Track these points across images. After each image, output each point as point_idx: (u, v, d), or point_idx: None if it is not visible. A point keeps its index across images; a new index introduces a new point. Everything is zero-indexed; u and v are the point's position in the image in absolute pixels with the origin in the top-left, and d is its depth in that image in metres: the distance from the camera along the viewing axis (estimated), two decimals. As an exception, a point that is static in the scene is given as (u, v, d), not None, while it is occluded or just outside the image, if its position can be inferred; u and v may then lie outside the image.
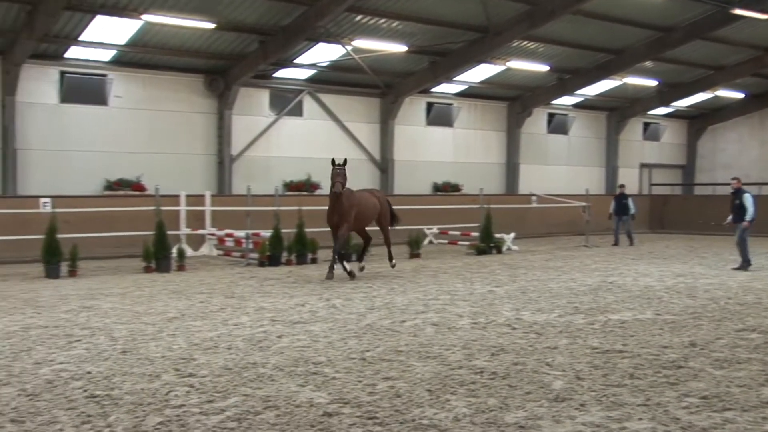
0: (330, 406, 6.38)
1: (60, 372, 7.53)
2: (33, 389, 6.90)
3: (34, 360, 8.09)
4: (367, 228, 17.13)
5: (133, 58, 24.63)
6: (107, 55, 24.21)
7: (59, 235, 16.51)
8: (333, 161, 15.57)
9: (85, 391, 6.84)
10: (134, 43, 23.52)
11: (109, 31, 22.65)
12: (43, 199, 19.28)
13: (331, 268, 15.47)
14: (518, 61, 28.58)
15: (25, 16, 20.86)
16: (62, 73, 23.92)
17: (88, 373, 7.49)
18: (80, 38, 22.74)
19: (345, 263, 15.87)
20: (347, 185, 15.75)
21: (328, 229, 16.01)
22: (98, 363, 7.92)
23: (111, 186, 24.06)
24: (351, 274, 15.68)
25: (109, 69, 24.55)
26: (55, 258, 16.36)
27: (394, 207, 17.69)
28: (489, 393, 6.85)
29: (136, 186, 24.12)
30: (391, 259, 17.12)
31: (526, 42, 27.57)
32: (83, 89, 24.07)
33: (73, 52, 23.62)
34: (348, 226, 15.82)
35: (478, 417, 6.15)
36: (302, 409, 6.30)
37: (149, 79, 25.32)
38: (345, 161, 15.68)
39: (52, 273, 16.31)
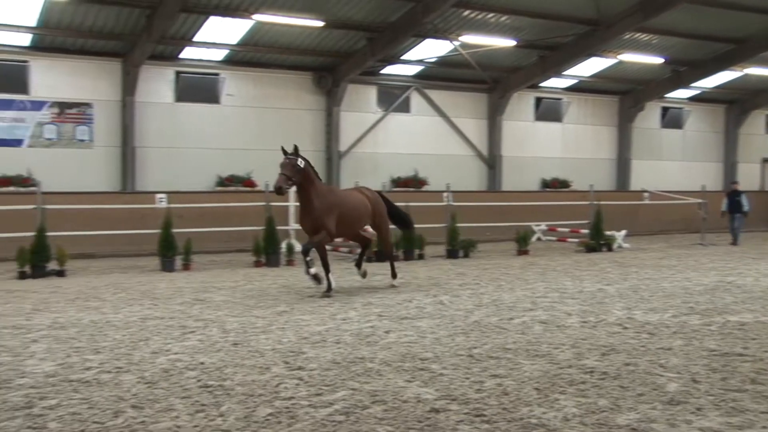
0: (437, 403, 6.34)
1: (175, 362, 7.76)
2: (151, 377, 7.13)
3: (152, 349, 8.37)
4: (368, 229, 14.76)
5: (245, 57, 25.23)
6: (220, 54, 24.88)
7: (174, 230, 17.06)
8: (282, 149, 12.42)
9: (199, 380, 7.02)
10: (245, 42, 24.08)
11: (222, 32, 23.28)
12: (159, 195, 19.96)
13: (307, 265, 12.29)
14: (630, 53, 27.78)
15: (144, 19, 21.65)
16: (177, 73, 24.76)
17: (202, 363, 7.69)
18: (194, 39, 23.46)
19: (309, 263, 12.23)
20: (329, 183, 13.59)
21: (437, 225, 15.57)
22: (211, 354, 8.13)
23: (223, 182, 24.73)
24: (316, 278, 12.34)
25: (221, 68, 25.26)
26: (170, 252, 16.93)
27: (498, 203, 16.74)
28: (599, 393, 6.66)
29: (247, 182, 24.73)
30: (394, 275, 14.04)
31: (639, 34, 26.73)
32: (197, 88, 24.90)
33: (187, 53, 24.39)
34: (327, 233, 12.60)
35: (588, 417, 5.99)
36: (409, 405, 6.28)
37: (259, 77, 25.88)
38: (296, 149, 12.34)
39: (167, 266, 16.90)
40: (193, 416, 5.98)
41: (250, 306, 11.61)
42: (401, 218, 14.73)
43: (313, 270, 12.18)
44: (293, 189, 13.32)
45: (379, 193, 14.43)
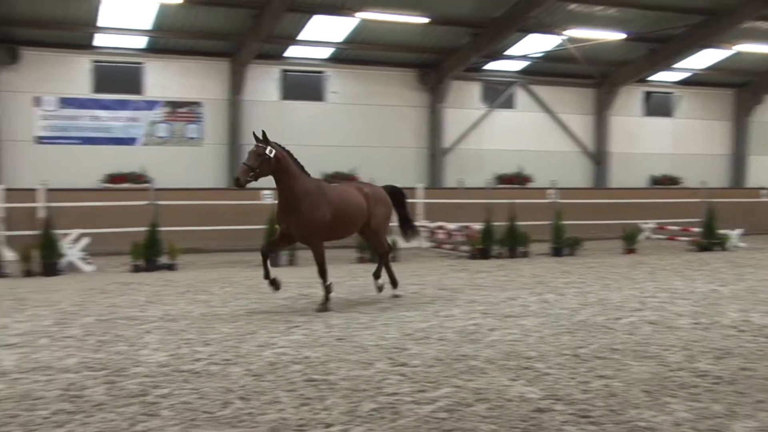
0: (542, 402, 6.22)
1: (281, 355, 7.89)
2: (257, 370, 7.27)
3: (258, 343, 8.53)
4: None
5: (349, 54, 25.51)
6: (324, 52, 25.23)
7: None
8: (254, 135, 10.65)
9: (304, 374, 7.11)
10: (350, 40, 24.33)
11: (326, 30, 23.59)
12: (264, 192, 20.36)
13: (272, 282, 10.72)
14: (749, 43, 26.56)
15: (251, 20, 22.15)
16: (283, 72, 25.23)
17: (306, 357, 7.79)
18: (299, 38, 23.86)
19: (268, 266, 10.67)
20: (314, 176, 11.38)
21: (542, 222, 15.00)
22: (315, 348, 8.22)
23: (327, 179, 25.03)
24: (273, 283, 10.69)
25: (325, 66, 25.62)
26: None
27: (605, 201, 16.09)
28: (713, 398, 6.39)
29: (351, 179, 24.94)
30: (377, 276, 12.11)
31: (759, 22, 25.44)
32: (302, 86, 25.39)
33: (292, 51, 24.85)
34: (319, 239, 10.92)
35: (700, 423, 5.75)
36: (513, 404, 6.19)
37: (363, 74, 26.12)
38: (264, 135, 10.48)
39: (273, 261, 17.18)
40: (298, 409, 6.06)
41: (354, 302, 11.70)
42: (405, 220, 12.85)
43: (272, 273, 10.62)
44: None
45: (394, 189, 12.48)
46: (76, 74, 23.82)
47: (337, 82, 26.04)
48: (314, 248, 10.94)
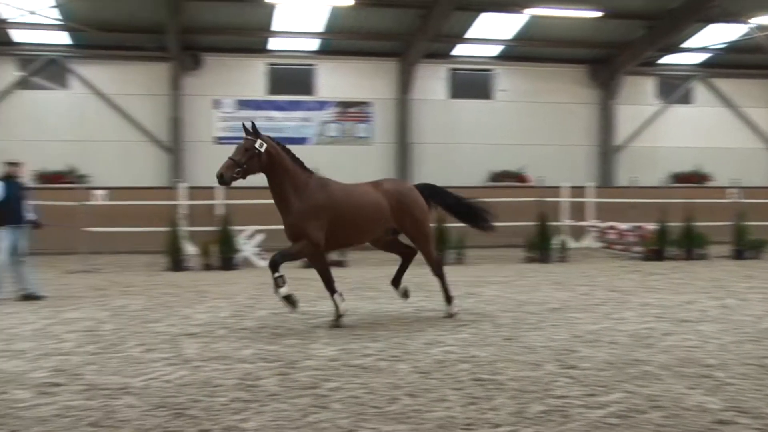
0: (723, 414, 5.86)
1: (448, 353, 7.88)
2: (425, 367, 7.30)
3: (426, 340, 8.57)
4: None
5: (517, 52, 25.21)
6: (492, 50, 25.06)
7: (446, 224, 17.38)
8: (243, 126, 9.31)
9: (471, 373, 7.06)
10: (519, 37, 24.08)
11: (494, 28, 23.43)
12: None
13: (276, 284, 8.96)
14: None
15: (419, 19, 22.34)
16: (450, 70, 25.30)
17: (474, 356, 7.74)
18: (466, 36, 23.83)
19: (277, 280, 8.91)
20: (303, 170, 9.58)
21: (722, 223, 14.24)
22: (483, 348, 8.16)
23: (495, 177, 24.91)
24: (288, 300, 9.01)
25: (494, 64, 25.46)
26: (443, 245, 17.27)
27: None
28: None
29: (519, 177, 24.68)
30: (448, 299, 10.29)
31: None
32: (469, 84, 25.37)
33: (459, 50, 24.86)
34: (311, 243, 9.15)
35: None
36: (691, 413, 5.87)
37: (532, 71, 25.76)
38: (254, 126, 9.16)
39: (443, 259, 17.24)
40: (465, 408, 6.02)
41: (522, 302, 11.53)
42: (470, 212, 10.63)
43: (283, 290, 8.91)
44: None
45: (427, 188, 10.48)
46: (252, 77, 24.94)
47: (505, 80, 25.81)
48: (310, 257, 9.48)
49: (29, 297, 11.92)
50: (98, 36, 22.79)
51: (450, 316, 10.07)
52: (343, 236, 9.55)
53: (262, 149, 9.00)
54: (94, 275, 15.89)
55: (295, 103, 24.91)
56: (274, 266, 8.90)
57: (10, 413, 5.90)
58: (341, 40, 24.24)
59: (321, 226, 9.14)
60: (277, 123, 24.71)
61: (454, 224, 17.60)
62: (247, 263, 17.12)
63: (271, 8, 22.26)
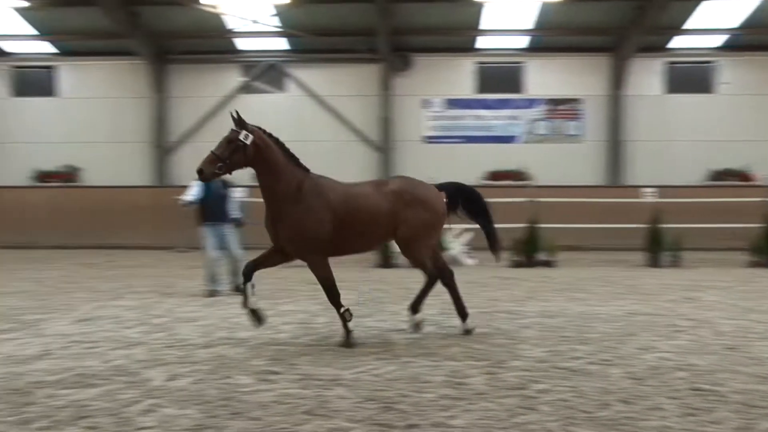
0: None
1: (663, 360, 7.48)
2: (638, 373, 6.96)
3: (639, 345, 8.18)
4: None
5: (743, 41, 23.64)
6: (714, 41, 23.67)
7: (662, 225, 16.65)
8: (231, 115, 8.20)
9: (689, 382, 6.65)
10: (746, 25, 22.57)
11: (717, 17, 22.12)
12: (644, 189, 19.69)
13: (250, 312, 8.26)
14: None
15: (633, 12, 21.52)
16: (667, 64, 24.16)
17: (692, 365, 7.29)
18: (685, 27, 22.66)
19: (248, 289, 8.18)
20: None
21: None
22: (702, 356, 7.67)
23: (716, 176, 23.56)
24: (254, 315, 8.27)
25: (714, 55, 24.04)
26: (657, 247, 16.55)
27: None
28: None
29: (743, 175, 23.18)
30: (463, 315, 8.94)
31: None
32: (687, 78, 24.21)
33: (677, 42, 23.68)
34: (314, 254, 8.17)
35: None
36: None
37: (759, 61, 24.04)
38: (239, 117, 8.07)
39: (653, 262, 16.53)
40: (682, 419, 5.67)
41: (748, 309, 10.75)
42: (490, 236, 9.34)
43: (252, 300, 8.18)
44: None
45: (459, 189, 9.15)
46: (460, 76, 25.08)
47: (728, 72, 24.23)
48: (312, 267, 8.24)
49: (239, 290, 12.57)
50: (313, 40, 23.83)
51: (467, 332, 8.85)
52: (348, 241, 8.36)
53: (248, 141, 7.93)
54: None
55: (503, 102, 24.77)
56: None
57: (234, 396, 6.25)
58: (551, 37, 23.80)
59: (324, 228, 8.08)
60: (484, 122, 24.71)
61: (668, 225, 16.87)
62: (455, 262, 17.20)
63: (479, 7, 22.28)
